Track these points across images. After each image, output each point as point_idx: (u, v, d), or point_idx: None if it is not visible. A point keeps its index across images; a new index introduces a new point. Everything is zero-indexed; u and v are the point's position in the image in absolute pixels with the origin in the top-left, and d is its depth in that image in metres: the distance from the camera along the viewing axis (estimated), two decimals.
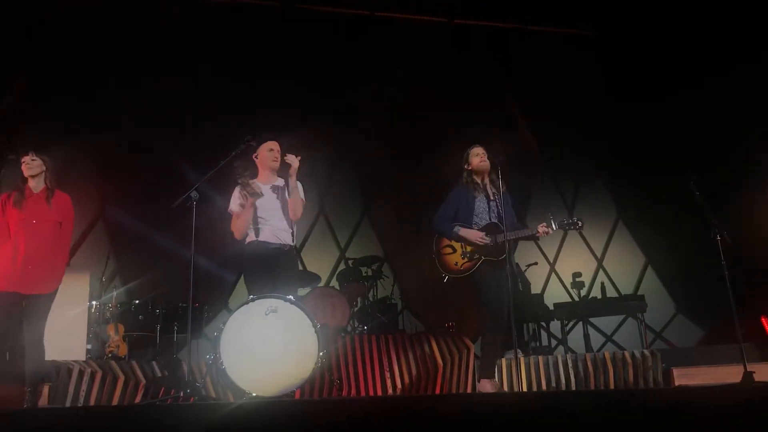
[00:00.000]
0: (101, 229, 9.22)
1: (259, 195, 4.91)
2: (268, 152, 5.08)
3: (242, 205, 4.91)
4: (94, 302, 7.49)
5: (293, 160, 4.95)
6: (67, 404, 5.45)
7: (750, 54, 8.59)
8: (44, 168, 5.06)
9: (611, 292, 9.92)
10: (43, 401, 5.45)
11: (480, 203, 5.34)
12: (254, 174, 5.10)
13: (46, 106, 8.81)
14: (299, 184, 5.10)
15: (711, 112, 9.00)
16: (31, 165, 5.01)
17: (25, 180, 5.02)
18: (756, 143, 8.28)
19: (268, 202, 5.02)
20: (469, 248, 5.23)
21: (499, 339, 5.16)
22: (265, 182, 5.08)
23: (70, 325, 7.06)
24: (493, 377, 5.16)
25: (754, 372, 5.35)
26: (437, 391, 6.48)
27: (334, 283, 9.29)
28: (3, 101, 8.69)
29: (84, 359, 6.52)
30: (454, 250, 5.30)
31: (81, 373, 5.64)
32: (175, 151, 8.89)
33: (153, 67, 9.07)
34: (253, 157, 5.12)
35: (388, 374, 6.50)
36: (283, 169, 5.06)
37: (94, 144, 9.10)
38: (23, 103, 8.76)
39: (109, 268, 8.24)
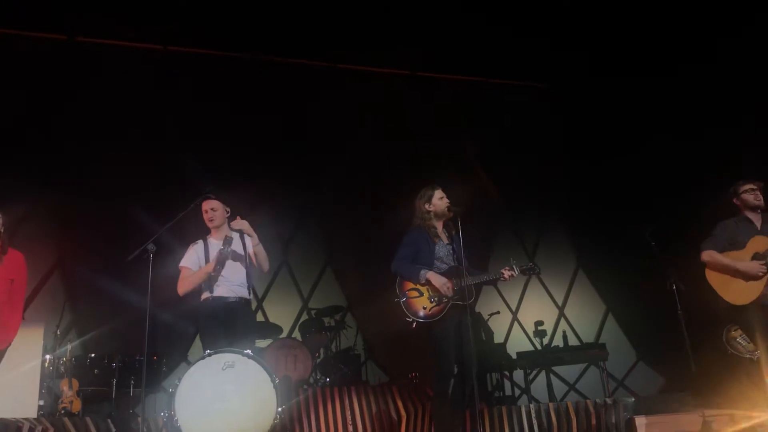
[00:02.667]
0: (57, 280, 9.00)
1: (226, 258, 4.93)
2: (204, 214, 5.12)
3: (197, 264, 4.93)
4: (47, 356, 7.26)
5: (241, 225, 4.96)
6: None
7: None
8: (2, 227, 4.98)
9: (573, 341, 9.98)
10: None
11: (440, 247, 5.23)
12: (208, 232, 5.12)
13: (1, 157, 8.68)
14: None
15: (669, 162, 9.26)
16: None
17: None
18: (709, 193, 8.52)
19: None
20: (435, 291, 5.06)
21: (449, 393, 4.92)
22: (218, 238, 5.07)
23: (22, 380, 6.82)
24: None
25: (714, 421, 5.40)
26: None
27: (297, 334, 9.19)
28: None
29: (35, 416, 6.30)
30: (421, 294, 5.07)
31: (31, 431, 5.43)
32: (133, 203, 8.79)
33: (111, 119, 9.01)
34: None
35: (350, 428, 6.41)
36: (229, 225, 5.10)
37: (50, 194, 8.96)
38: None
39: (65, 320, 8.04)
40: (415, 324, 5.05)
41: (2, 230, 4.98)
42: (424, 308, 5.05)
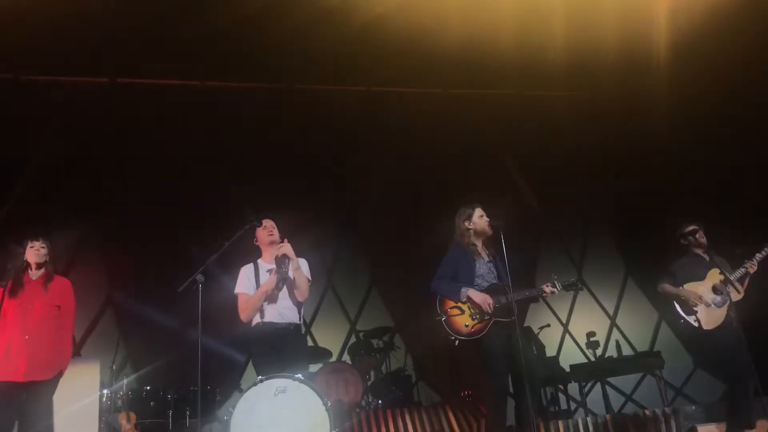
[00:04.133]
0: (110, 316, 9.23)
1: (282, 284, 4.93)
2: (262, 230, 5.14)
3: (253, 288, 4.97)
4: (105, 391, 7.41)
5: (286, 249, 4.92)
6: None
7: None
8: (48, 256, 5.09)
9: (627, 350, 9.79)
10: None
11: (481, 265, 5.24)
12: (258, 255, 5.15)
13: (53, 194, 8.97)
14: (303, 262, 5.11)
15: (718, 162, 9.11)
16: (40, 252, 5.03)
17: (26, 266, 5.00)
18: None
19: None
20: (477, 309, 5.06)
21: (504, 410, 4.94)
22: (269, 262, 5.12)
23: (81, 415, 6.97)
24: None
25: None
26: None
27: (346, 357, 9.20)
28: (12, 191, 8.83)
29: None
30: (462, 312, 5.09)
31: None
32: (180, 234, 8.99)
33: (157, 151, 9.25)
34: (254, 242, 5.19)
35: None
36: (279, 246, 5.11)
37: (100, 231, 9.25)
38: (31, 191, 8.90)
39: (119, 355, 8.20)
40: (458, 342, 5.07)
41: (48, 259, 5.10)
42: (467, 326, 5.06)
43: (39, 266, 5.06)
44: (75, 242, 9.19)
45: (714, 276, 5.66)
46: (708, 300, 5.60)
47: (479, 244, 5.32)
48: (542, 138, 10.49)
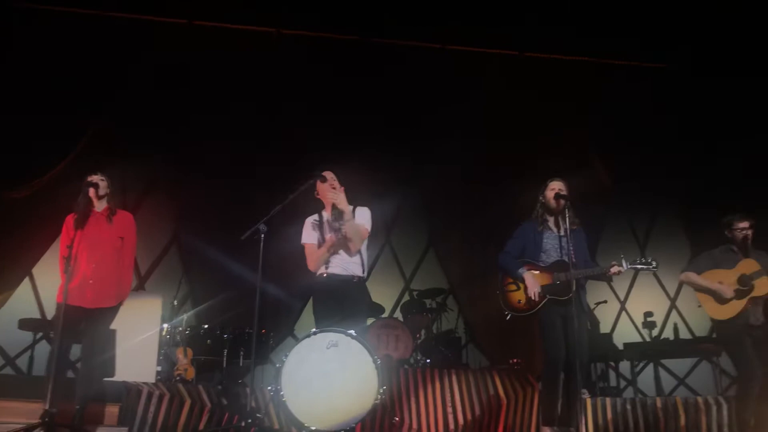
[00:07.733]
0: (175, 253, 9.52)
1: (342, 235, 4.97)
2: (323, 183, 5.10)
3: (318, 239, 5.04)
4: (165, 325, 7.70)
5: (337, 200, 4.92)
6: (135, 425, 5.60)
7: None
8: (108, 189, 5.33)
9: (684, 334, 9.56)
10: (112, 421, 5.62)
11: (549, 239, 5.21)
12: (323, 208, 5.21)
13: (129, 134, 9.16)
14: (365, 211, 5.12)
15: None
16: (101, 185, 5.26)
17: (89, 199, 5.21)
18: None
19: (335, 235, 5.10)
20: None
21: (558, 381, 4.98)
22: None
23: (143, 346, 7.28)
24: (554, 424, 4.99)
25: None
26: (500, 431, 6.37)
27: (398, 314, 9.30)
28: (90, 129, 9.07)
29: (154, 381, 6.70)
30: (518, 288, 5.18)
31: (150, 395, 5.78)
32: (249, 181, 9.15)
33: (231, 100, 9.34)
34: (316, 195, 5.20)
35: (450, 410, 6.44)
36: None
37: (171, 172, 9.50)
38: (109, 130, 9.12)
39: (181, 292, 8.48)
40: (509, 317, 5.24)
41: (108, 192, 5.33)
42: (519, 302, 5.17)
43: (100, 199, 5.29)
44: (149, 178, 9.47)
45: (746, 266, 5.50)
46: (725, 288, 5.50)
47: (551, 218, 5.27)
48: (620, 112, 10.13)
